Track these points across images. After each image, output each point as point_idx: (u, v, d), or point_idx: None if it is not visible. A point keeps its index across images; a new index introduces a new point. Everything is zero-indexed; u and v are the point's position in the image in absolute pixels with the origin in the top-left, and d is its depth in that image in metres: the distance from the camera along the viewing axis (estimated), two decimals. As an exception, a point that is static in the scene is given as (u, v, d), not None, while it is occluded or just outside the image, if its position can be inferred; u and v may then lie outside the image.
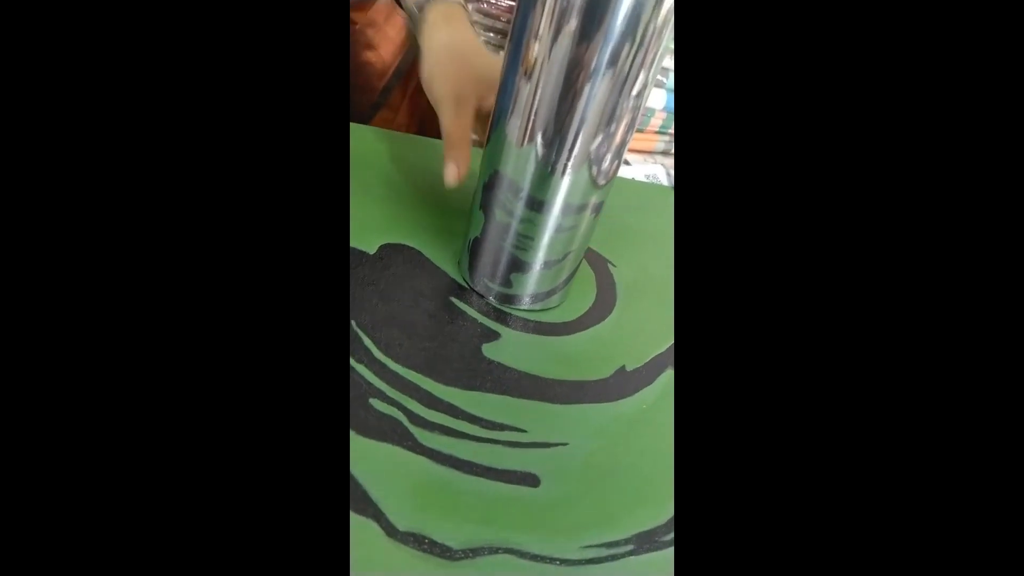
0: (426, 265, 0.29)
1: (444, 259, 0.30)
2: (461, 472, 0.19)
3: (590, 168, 0.24)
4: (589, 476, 0.21)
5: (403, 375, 0.22)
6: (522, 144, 0.24)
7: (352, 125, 0.42)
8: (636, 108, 0.23)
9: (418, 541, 0.17)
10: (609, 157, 0.24)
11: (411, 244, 0.31)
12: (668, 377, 0.27)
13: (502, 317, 0.28)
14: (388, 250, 0.29)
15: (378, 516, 0.17)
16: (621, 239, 0.39)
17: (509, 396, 0.23)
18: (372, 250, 0.29)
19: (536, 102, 0.23)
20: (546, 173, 0.24)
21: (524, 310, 0.29)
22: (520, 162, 0.24)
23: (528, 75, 0.22)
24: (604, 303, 0.32)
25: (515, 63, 0.23)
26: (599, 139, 0.23)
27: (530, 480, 0.20)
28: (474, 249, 0.28)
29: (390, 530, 0.17)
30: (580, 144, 0.23)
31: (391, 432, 0.20)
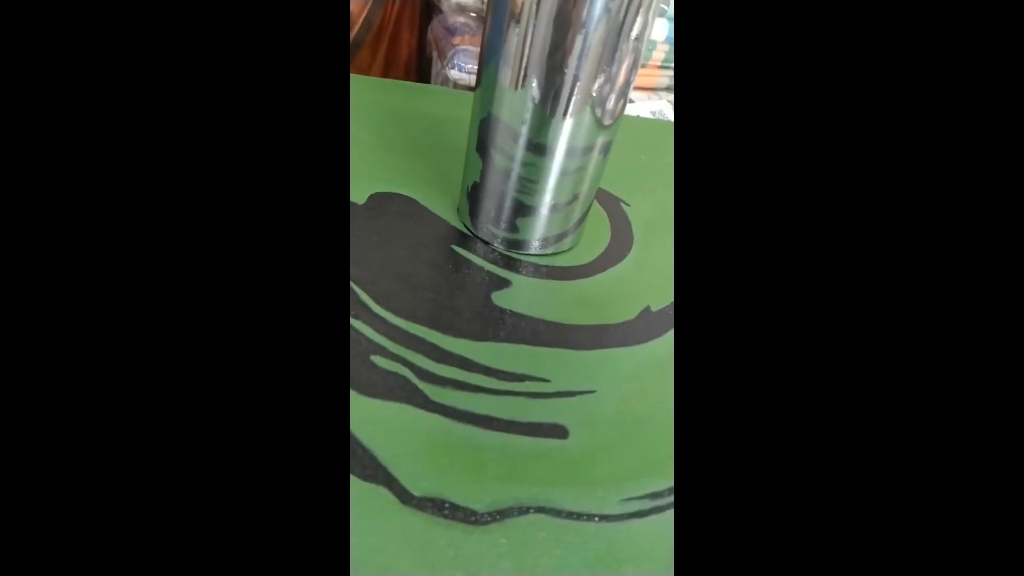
0: (423, 214, 0.27)
1: (442, 207, 0.28)
2: (480, 428, 0.17)
3: (593, 110, 0.22)
4: (623, 424, 0.19)
5: (406, 329, 0.20)
6: (516, 87, 0.21)
7: None
8: (637, 50, 0.21)
9: (437, 506, 0.15)
10: (613, 97, 0.22)
11: (404, 192, 0.28)
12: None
13: (511, 264, 0.25)
14: (380, 199, 0.27)
15: (389, 482, 0.15)
16: (632, 178, 0.36)
17: (526, 344, 0.21)
18: (362, 200, 0.26)
19: (527, 48, 0.20)
20: (545, 116, 0.22)
21: (534, 255, 0.26)
22: (515, 106, 0.22)
23: (517, 19, 0.20)
24: (621, 243, 0.29)
25: (502, 5, 0.20)
26: (600, 80, 0.21)
27: (558, 432, 0.18)
28: (474, 194, 0.25)
29: (404, 496, 0.15)
30: (580, 87, 0.21)
31: (397, 390, 0.18)
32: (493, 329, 0.21)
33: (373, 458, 0.16)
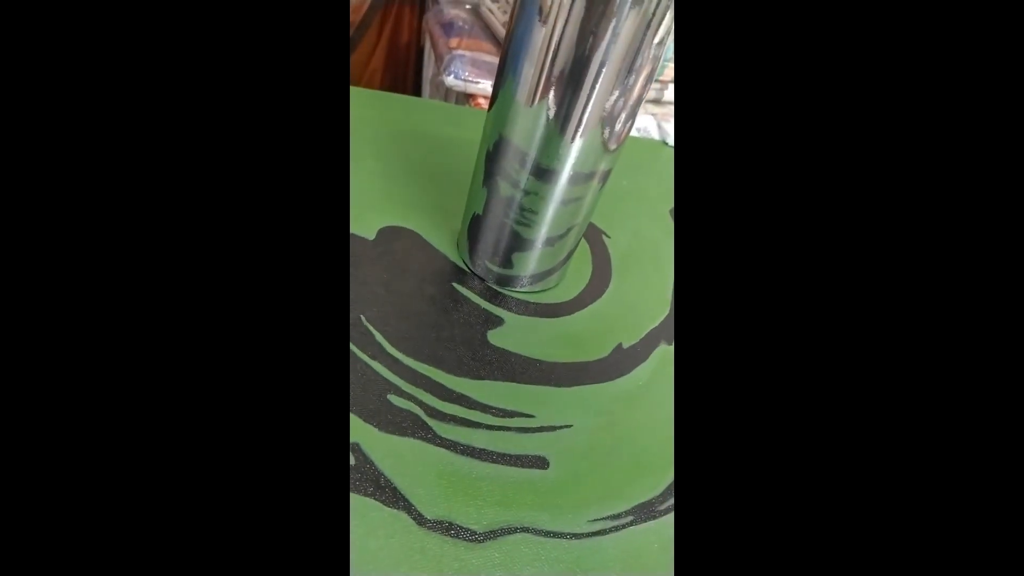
0: (426, 249, 0.30)
1: (442, 240, 0.31)
2: (478, 460, 0.21)
3: (603, 129, 0.23)
4: (593, 455, 0.23)
5: (415, 368, 0.24)
6: (532, 102, 0.23)
7: None
8: (656, 58, 0.22)
9: (445, 528, 0.19)
10: (623, 116, 0.23)
11: (410, 227, 0.31)
12: (662, 352, 0.29)
13: (502, 301, 0.29)
14: (387, 234, 0.30)
15: (408, 507, 0.19)
16: (613, 205, 0.39)
17: (515, 383, 0.25)
18: (372, 236, 0.29)
19: (552, 48, 0.21)
20: (556, 135, 0.23)
21: (523, 291, 0.29)
22: (528, 123, 0.23)
23: (544, 18, 0.21)
24: (600, 278, 0.33)
25: (529, 7, 0.21)
26: (616, 94, 0.22)
27: (540, 463, 0.22)
28: (474, 228, 0.28)
29: (420, 519, 0.19)
30: (596, 100, 0.22)
31: (411, 426, 0.21)
32: (488, 368, 0.25)
33: (395, 488, 0.19)
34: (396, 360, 0.24)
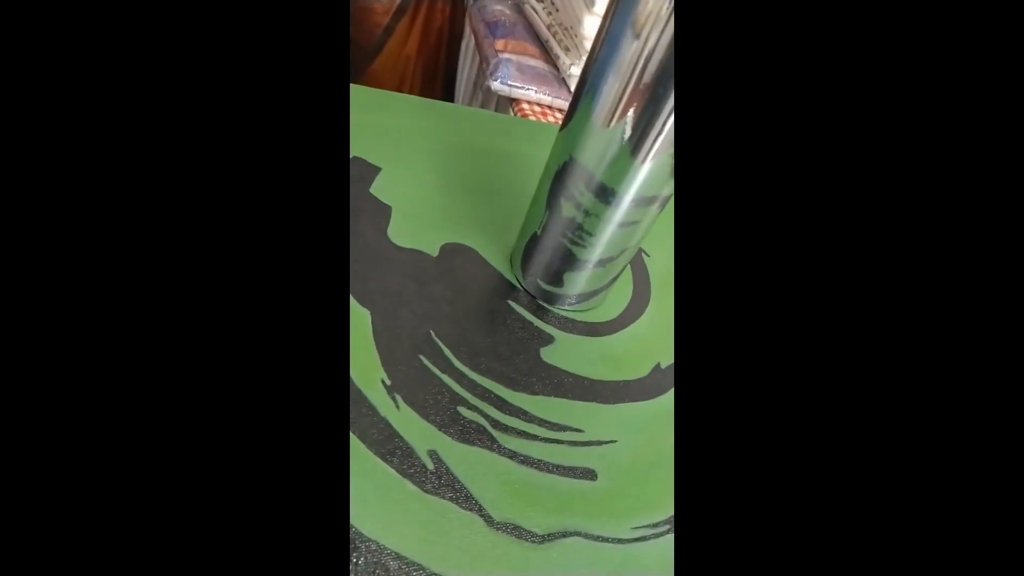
0: (484, 267, 0.32)
1: (497, 257, 0.33)
2: (536, 470, 0.24)
3: (673, 153, 0.23)
4: (636, 469, 0.26)
5: (480, 383, 0.26)
6: (609, 123, 0.23)
7: (394, 95, 0.42)
8: None
9: (511, 530, 0.22)
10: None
11: (468, 243, 0.33)
12: (696, 373, 0.31)
13: (550, 319, 0.31)
14: (448, 252, 0.32)
15: (480, 510, 0.22)
16: (655, 224, 0.41)
17: (566, 399, 0.27)
18: (435, 252, 0.32)
19: (641, 63, 0.21)
20: (626, 157, 0.23)
21: (567, 310, 0.32)
22: (601, 145, 0.24)
23: (638, 33, 0.21)
24: (640, 298, 0.35)
25: (623, 18, 0.21)
26: None
27: (589, 475, 0.25)
28: (530, 247, 0.30)
29: (489, 521, 0.22)
30: (672, 119, 0.22)
31: (479, 437, 0.24)
32: (542, 384, 0.27)
33: (469, 493, 0.22)
34: (463, 374, 0.26)
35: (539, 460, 0.24)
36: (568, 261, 0.29)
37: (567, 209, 0.27)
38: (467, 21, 0.81)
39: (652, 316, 0.34)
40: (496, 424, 0.25)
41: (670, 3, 0.20)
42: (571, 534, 0.22)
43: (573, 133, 0.26)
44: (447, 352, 0.27)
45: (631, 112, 0.23)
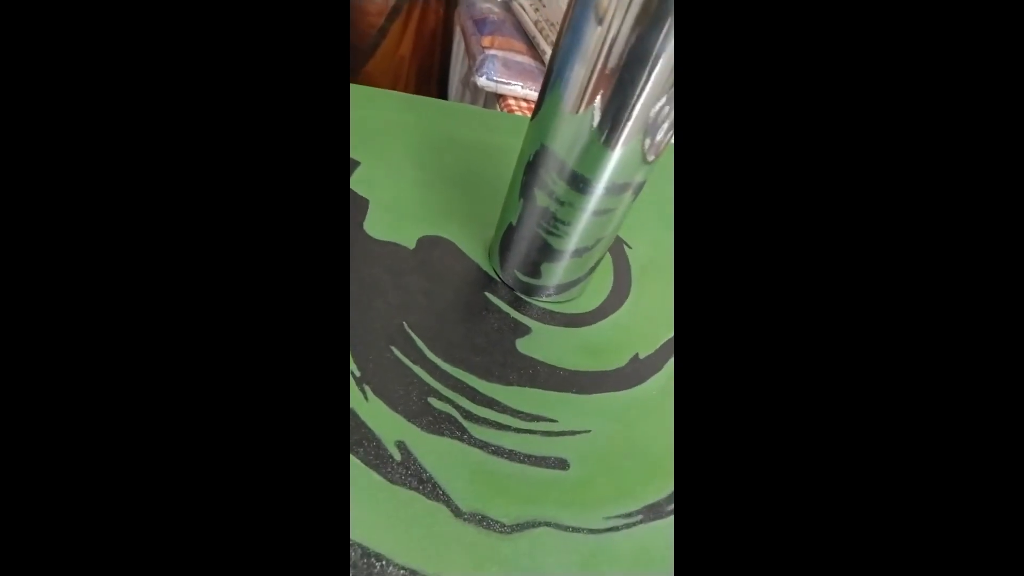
0: (461, 259, 0.32)
1: (475, 249, 0.33)
2: (506, 460, 0.24)
3: (644, 139, 0.23)
4: (609, 458, 0.26)
5: (452, 374, 0.26)
6: (579, 109, 0.23)
7: (378, 91, 0.42)
8: None
9: (479, 520, 0.22)
10: (666, 126, 0.23)
11: (446, 236, 0.33)
12: (673, 364, 0.31)
13: (528, 310, 0.31)
14: (426, 244, 0.32)
15: (447, 501, 0.22)
16: (635, 214, 0.41)
17: (541, 389, 0.27)
18: (412, 244, 0.31)
19: (606, 48, 0.21)
20: (596, 144, 0.23)
21: (546, 301, 0.32)
22: (571, 131, 0.24)
23: (600, 18, 0.21)
24: (620, 289, 0.35)
25: (585, 10, 0.21)
26: (663, 100, 0.22)
27: (562, 464, 0.25)
28: (507, 238, 0.30)
29: (456, 512, 0.22)
30: (642, 104, 0.22)
31: (449, 427, 0.24)
32: (517, 374, 0.27)
33: (436, 483, 0.22)
34: (436, 366, 0.26)
35: (510, 450, 0.24)
36: (545, 252, 0.29)
37: (541, 199, 0.27)
38: (456, 19, 0.80)
39: (632, 307, 0.34)
40: (467, 415, 0.25)
41: None
42: (540, 524, 0.22)
43: (543, 121, 0.26)
44: (420, 343, 0.27)
45: (599, 98, 0.23)
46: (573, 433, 0.26)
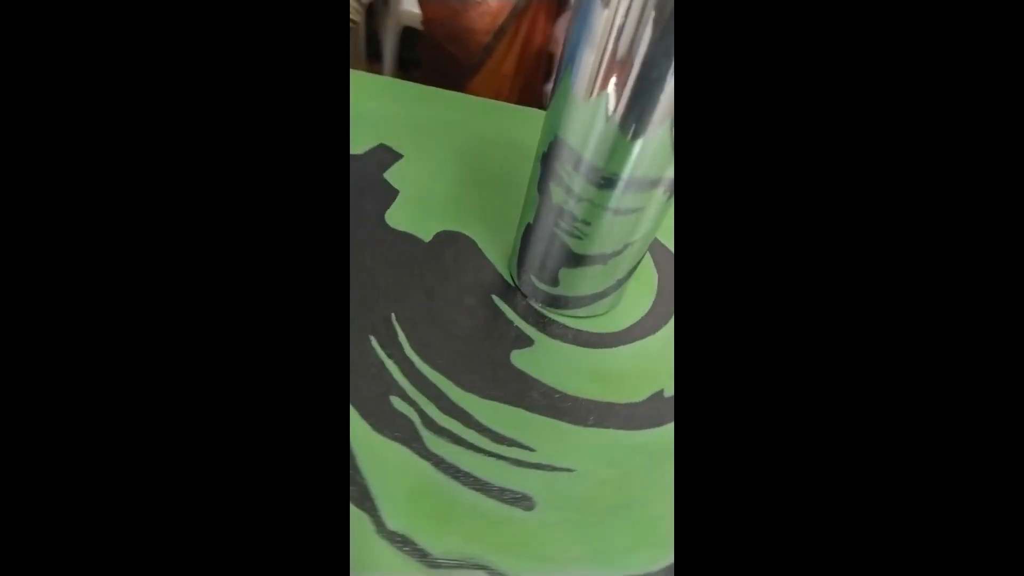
0: (478, 258, 0.30)
1: (497, 252, 0.30)
2: (459, 483, 0.20)
3: (672, 127, 0.20)
4: (590, 507, 0.21)
5: (427, 375, 0.24)
6: (590, 95, 0.20)
7: (430, 89, 0.42)
8: None
9: (401, 541, 0.19)
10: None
11: (468, 233, 0.31)
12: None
13: (541, 321, 0.27)
14: (443, 238, 0.30)
15: (372, 511, 0.19)
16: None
17: (525, 410, 0.23)
18: (428, 238, 0.30)
19: (615, 33, 0.19)
20: (614, 133, 0.20)
21: (568, 315, 0.28)
22: (584, 120, 0.21)
23: (607, 2, 0.18)
24: (660, 311, 0.29)
25: None
26: None
27: (525, 502, 0.20)
28: (525, 239, 0.27)
29: (379, 526, 0.19)
30: (665, 91, 0.19)
31: (403, 432, 0.21)
32: (500, 388, 0.24)
33: (367, 488, 0.20)
34: (411, 364, 0.24)
35: (466, 472, 0.21)
36: (564, 255, 0.26)
37: (557, 195, 0.24)
38: (561, 36, 0.80)
39: (670, 334, 0.28)
40: (428, 422, 0.22)
41: None
42: (475, 566, 0.18)
43: (556, 109, 0.23)
44: (401, 337, 0.25)
45: (612, 82, 0.20)
46: (550, 468, 0.22)
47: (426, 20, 0.88)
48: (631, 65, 0.19)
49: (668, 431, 0.24)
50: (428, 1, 0.82)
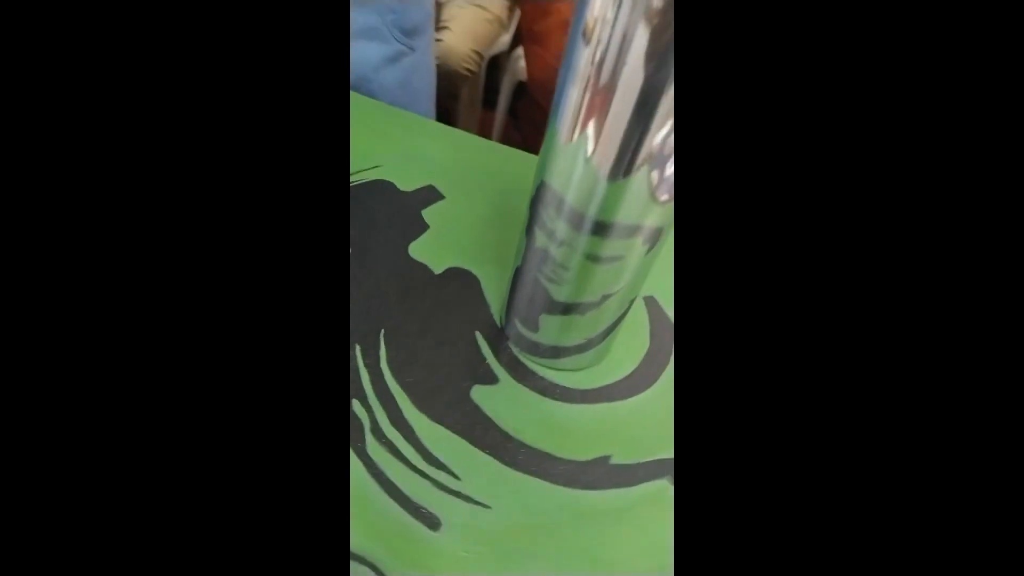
0: (476, 296, 0.32)
1: (499, 293, 0.33)
2: (381, 487, 0.23)
3: (651, 172, 0.19)
4: (495, 544, 0.22)
5: (391, 388, 0.26)
6: (571, 138, 0.20)
7: (480, 139, 0.46)
8: None
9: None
10: (674, 159, 0.19)
11: (475, 271, 0.34)
12: (657, 489, 0.24)
13: (513, 364, 0.29)
14: (452, 273, 0.33)
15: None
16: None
17: (468, 442, 0.25)
18: (439, 270, 0.33)
19: (595, 67, 0.18)
20: (592, 174, 0.20)
21: (545, 364, 0.29)
22: (566, 164, 0.21)
23: (587, 38, 0.18)
24: (637, 380, 0.29)
25: (576, 25, 0.19)
26: (666, 129, 0.18)
27: (433, 522, 0.22)
28: (513, 283, 0.28)
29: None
30: (648, 133, 0.19)
31: (351, 432, 0.24)
32: (452, 417, 0.26)
33: (300, 472, 0.22)
34: (381, 375, 0.27)
35: (390, 482, 0.23)
36: (543, 300, 0.26)
37: (540, 239, 0.25)
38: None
39: (649, 401, 0.28)
40: (376, 429, 0.25)
41: (615, 5, 0.17)
42: (361, 560, 0.20)
43: (544, 152, 0.23)
44: (383, 351, 0.28)
45: (591, 124, 0.20)
46: (468, 499, 0.23)
47: (530, 78, 0.94)
48: (608, 106, 0.19)
49: (603, 497, 0.24)
50: (532, 61, 0.88)
